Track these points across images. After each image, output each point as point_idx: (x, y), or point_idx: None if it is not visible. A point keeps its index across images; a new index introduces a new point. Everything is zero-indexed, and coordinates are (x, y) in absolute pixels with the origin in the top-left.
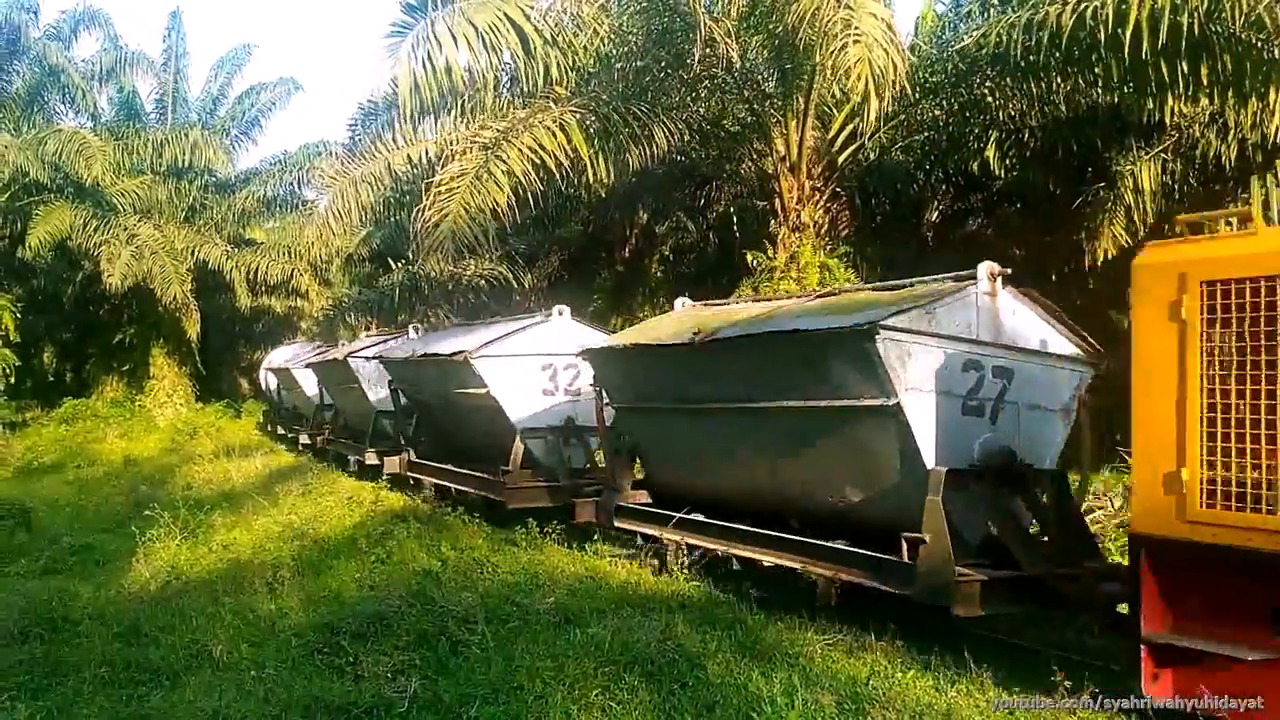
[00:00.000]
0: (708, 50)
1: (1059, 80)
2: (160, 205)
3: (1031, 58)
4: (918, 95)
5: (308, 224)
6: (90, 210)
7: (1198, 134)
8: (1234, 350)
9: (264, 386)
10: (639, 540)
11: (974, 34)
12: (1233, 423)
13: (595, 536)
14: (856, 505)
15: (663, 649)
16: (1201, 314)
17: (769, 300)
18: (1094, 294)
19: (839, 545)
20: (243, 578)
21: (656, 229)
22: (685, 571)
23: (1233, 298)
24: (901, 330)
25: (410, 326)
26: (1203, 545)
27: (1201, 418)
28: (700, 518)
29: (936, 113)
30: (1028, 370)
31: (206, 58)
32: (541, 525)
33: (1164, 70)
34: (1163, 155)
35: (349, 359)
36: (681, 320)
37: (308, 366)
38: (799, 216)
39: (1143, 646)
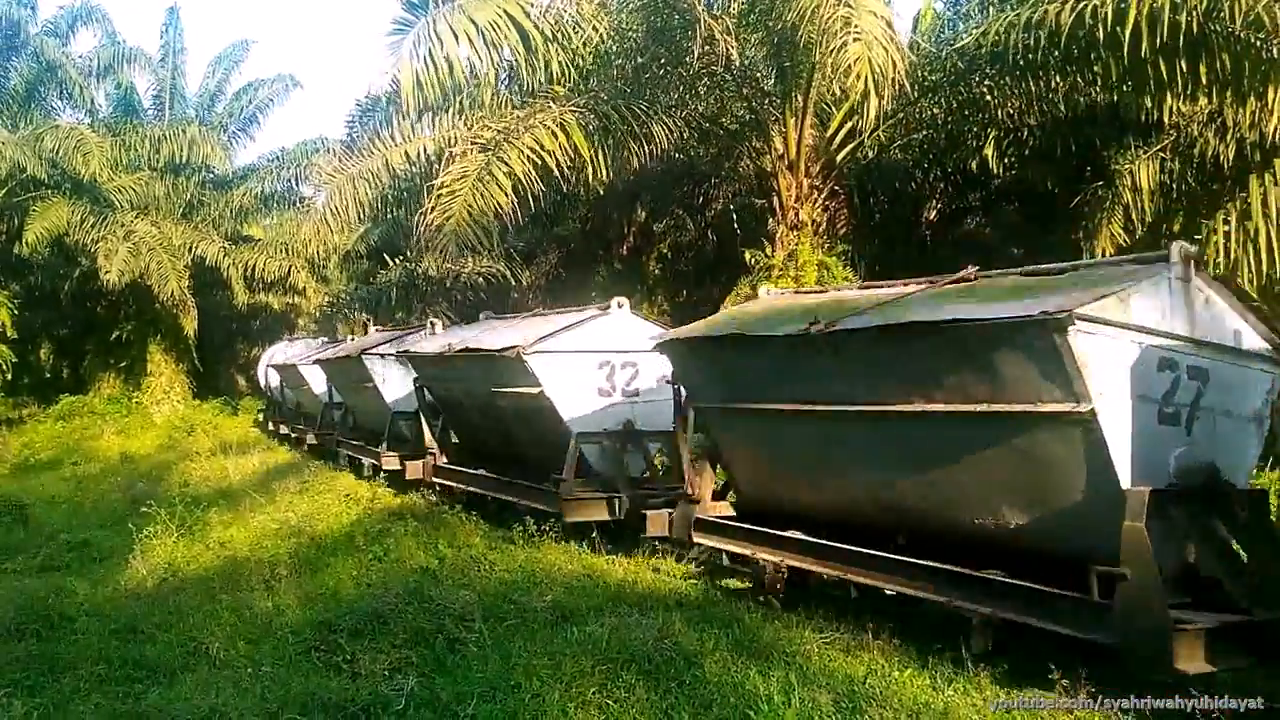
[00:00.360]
0: (707, 48)
1: (1058, 79)
2: (157, 201)
3: (1030, 56)
4: (916, 94)
5: (305, 221)
6: (87, 206)
7: (1196, 133)
8: None
9: (263, 384)
10: (724, 559)
11: (973, 32)
12: None
13: (656, 550)
14: (1017, 529)
15: (660, 647)
16: None
17: (878, 286)
18: None
19: (996, 576)
20: (240, 575)
21: (654, 227)
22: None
23: None
24: (1098, 321)
25: (429, 321)
26: None
27: None
28: (800, 535)
29: (935, 111)
30: (1223, 371)
31: (204, 54)
32: (539, 524)
33: (1163, 69)
34: (1161, 154)
35: (364, 356)
36: (775, 309)
37: (316, 363)
38: (797, 215)
39: None
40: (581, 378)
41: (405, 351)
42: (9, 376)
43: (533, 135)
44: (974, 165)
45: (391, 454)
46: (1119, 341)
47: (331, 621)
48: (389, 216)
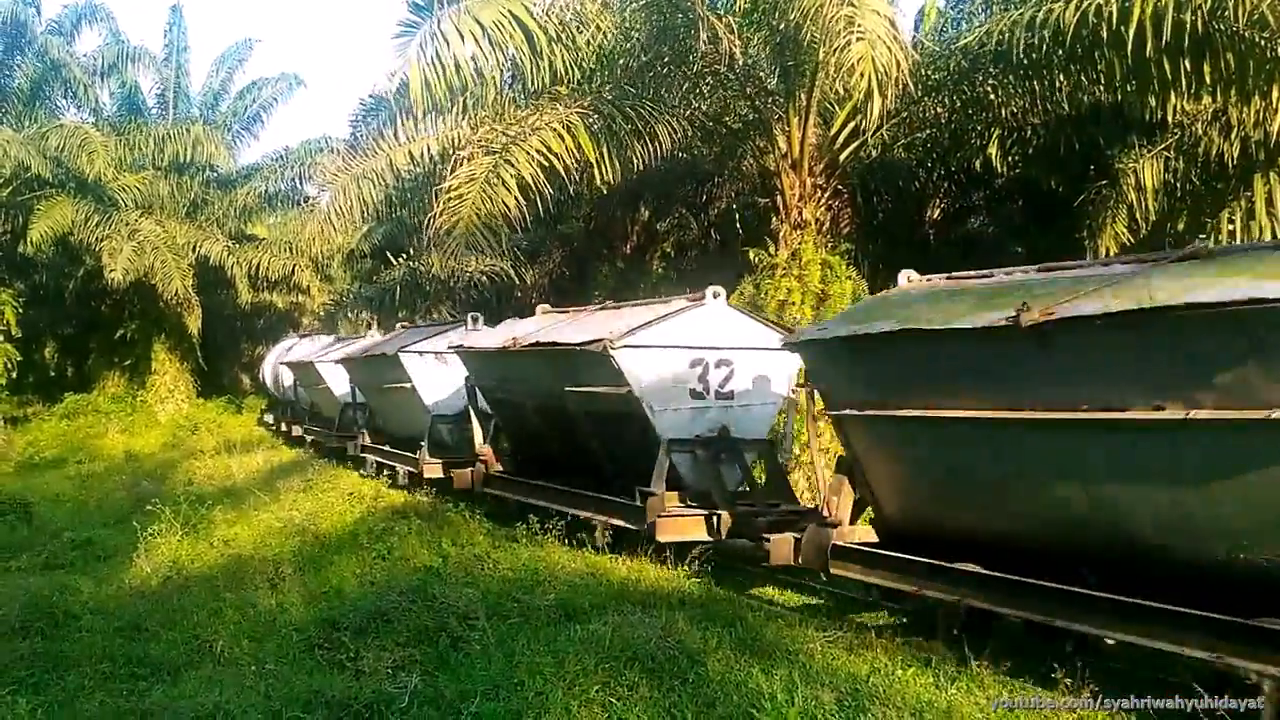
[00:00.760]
0: (710, 47)
1: (1061, 78)
2: (162, 200)
3: (1034, 55)
4: (920, 93)
5: (309, 220)
6: (92, 205)
7: (1200, 132)
8: None
9: (272, 382)
10: (872, 593)
11: (976, 31)
12: None
13: (758, 580)
14: None
15: (663, 645)
16: None
17: (1063, 267)
18: None
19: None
20: (244, 573)
21: (658, 226)
22: (686, 567)
23: None
24: None
25: (469, 316)
26: None
27: None
28: (976, 569)
29: (939, 110)
30: None
31: (208, 53)
32: (542, 523)
33: (1167, 68)
34: (1165, 153)
35: (402, 354)
36: (934, 298)
37: (338, 362)
38: (801, 214)
39: None
40: (673, 377)
41: (459, 347)
42: (14, 375)
43: (539, 137)
44: (978, 164)
45: (434, 461)
46: None
47: (335, 619)
48: (393, 216)
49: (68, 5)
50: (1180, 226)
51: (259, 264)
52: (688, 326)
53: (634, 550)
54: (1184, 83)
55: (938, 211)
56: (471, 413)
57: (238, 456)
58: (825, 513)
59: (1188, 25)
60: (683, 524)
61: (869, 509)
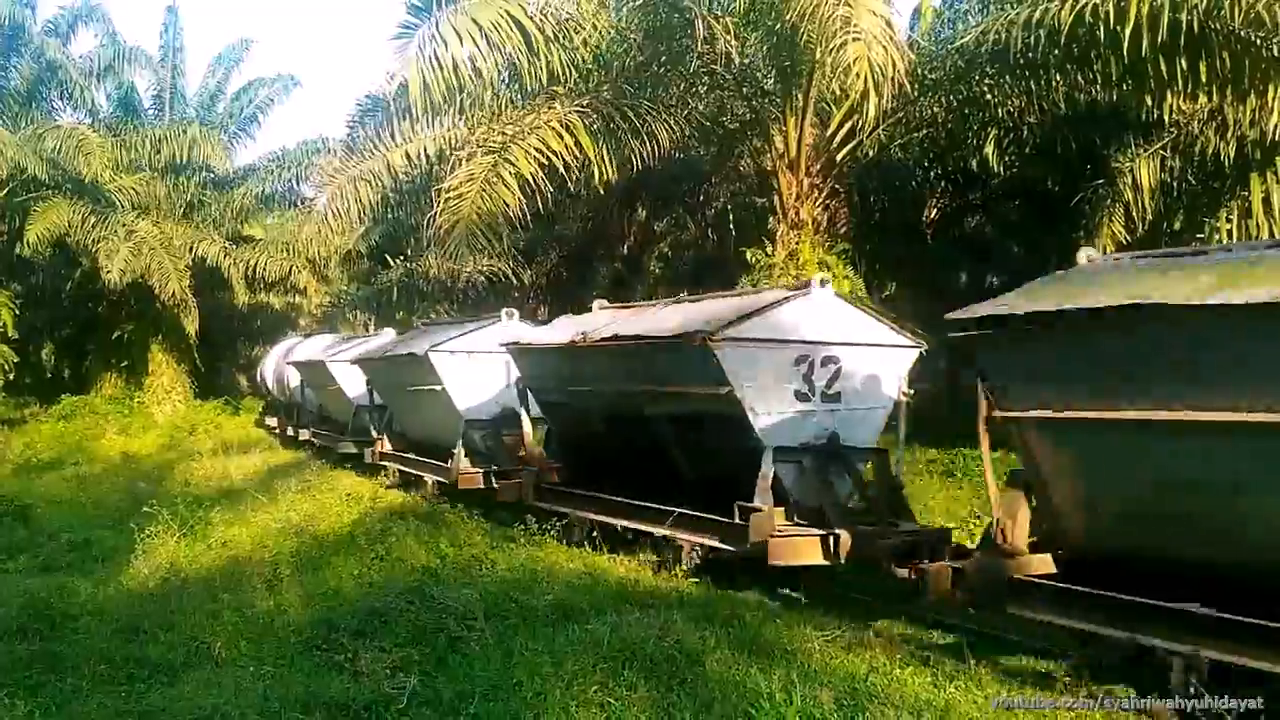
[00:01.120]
0: (706, 47)
1: (1058, 77)
2: (158, 201)
3: (1030, 55)
4: (917, 92)
5: (306, 221)
6: (88, 206)
7: (1197, 131)
8: None
9: (274, 383)
10: (1075, 653)
11: (973, 31)
12: None
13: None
14: None
15: (661, 645)
16: None
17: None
18: None
19: None
20: (242, 574)
21: (655, 226)
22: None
23: None
24: None
25: (505, 311)
26: None
27: None
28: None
29: (935, 110)
30: None
31: (204, 53)
32: (540, 523)
33: (1163, 67)
34: (1162, 152)
35: (432, 354)
36: (1129, 275)
37: (355, 362)
38: (798, 214)
39: None
40: (777, 375)
41: (513, 344)
42: (11, 376)
43: (538, 136)
44: (974, 164)
45: (472, 470)
46: None
47: (333, 620)
48: (390, 216)
49: (64, 6)
50: (1177, 226)
51: (256, 265)
52: (791, 318)
53: (631, 550)
54: (1180, 82)
55: (935, 211)
56: (524, 417)
57: (235, 457)
58: (1001, 539)
59: (1184, 24)
60: (798, 546)
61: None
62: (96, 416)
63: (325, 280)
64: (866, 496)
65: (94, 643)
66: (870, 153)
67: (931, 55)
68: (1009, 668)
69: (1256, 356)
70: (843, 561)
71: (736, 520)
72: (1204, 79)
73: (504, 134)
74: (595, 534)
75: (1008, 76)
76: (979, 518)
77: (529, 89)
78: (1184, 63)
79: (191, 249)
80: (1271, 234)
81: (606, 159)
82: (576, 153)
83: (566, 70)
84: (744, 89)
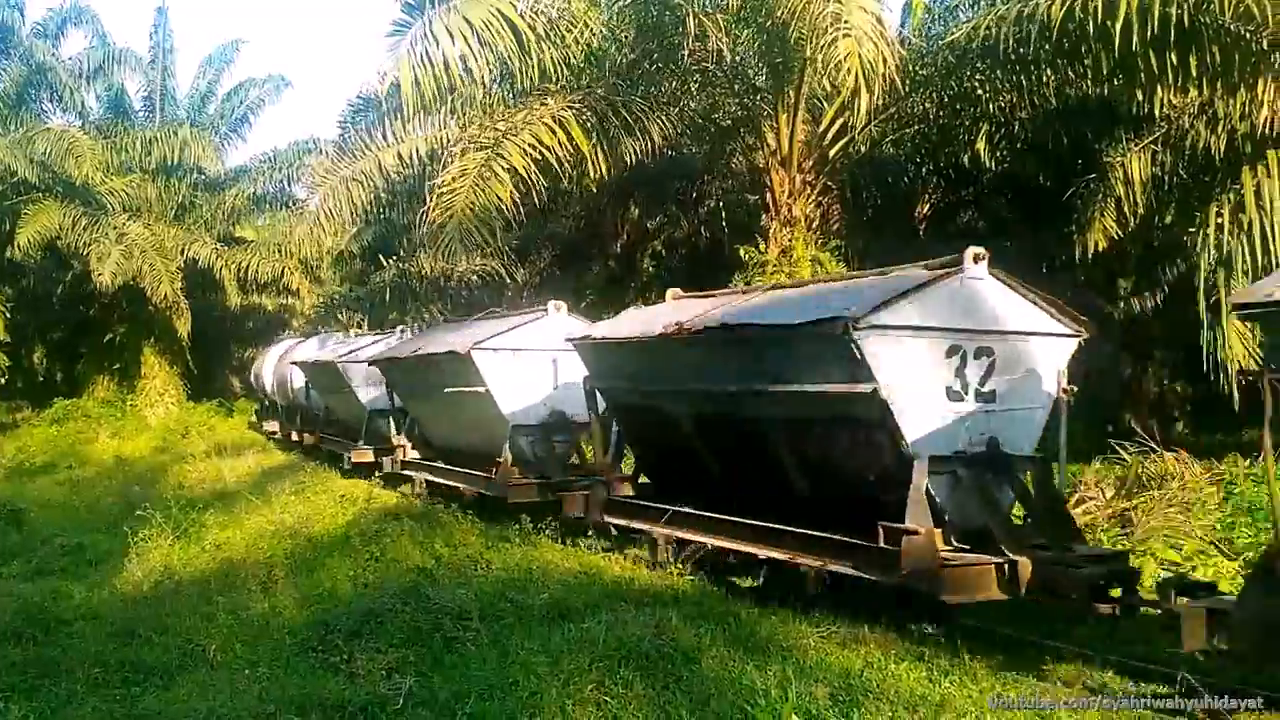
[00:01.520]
0: (698, 44)
1: (1049, 72)
2: (150, 203)
3: (1021, 50)
4: (908, 88)
5: (298, 222)
6: (79, 209)
7: (1187, 125)
8: None
9: (273, 385)
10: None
11: (963, 27)
12: None
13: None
14: None
15: (657, 643)
16: None
17: None
18: (1085, 286)
19: None
20: (236, 577)
21: (648, 224)
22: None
23: None
24: None
25: (550, 303)
26: None
27: None
28: None
29: (927, 106)
30: None
31: (194, 54)
32: (535, 521)
33: (1153, 62)
34: (1153, 146)
35: (474, 352)
36: None
37: (373, 362)
38: (790, 210)
39: None
40: (927, 370)
41: (585, 338)
42: (2, 380)
43: (531, 131)
44: (966, 159)
45: (524, 480)
46: None
47: (328, 622)
48: (382, 217)
49: (53, 8)
50: (1168, 220)
51: (248, 266)
52: (942, 302)
53: (626, 549)
54: (1170, 76)
55: (927, 207)
56: (595, 422)
57: (228, 460)
58: None
59: (1173, 18)
60: (972, 576)
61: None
62: (89, 420)
63: (318, 281)
64: (1027, 514)
65: (88, 647)
66: (862, 149)
67: (922, 51)
68: (1003, 662)
69: None
70: (1022, 594)
71: (881, 544)
72: (1194, 73)
73: (497, 130)
74: (684, 555)
75: (999, 72)
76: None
77: (521, 87)
78: (1174, 57)
79: (183, 251)
80: (1263, 227)
81: (599, 155)
82: (569, 149)
83: (558, 68)
84: (736, 86)
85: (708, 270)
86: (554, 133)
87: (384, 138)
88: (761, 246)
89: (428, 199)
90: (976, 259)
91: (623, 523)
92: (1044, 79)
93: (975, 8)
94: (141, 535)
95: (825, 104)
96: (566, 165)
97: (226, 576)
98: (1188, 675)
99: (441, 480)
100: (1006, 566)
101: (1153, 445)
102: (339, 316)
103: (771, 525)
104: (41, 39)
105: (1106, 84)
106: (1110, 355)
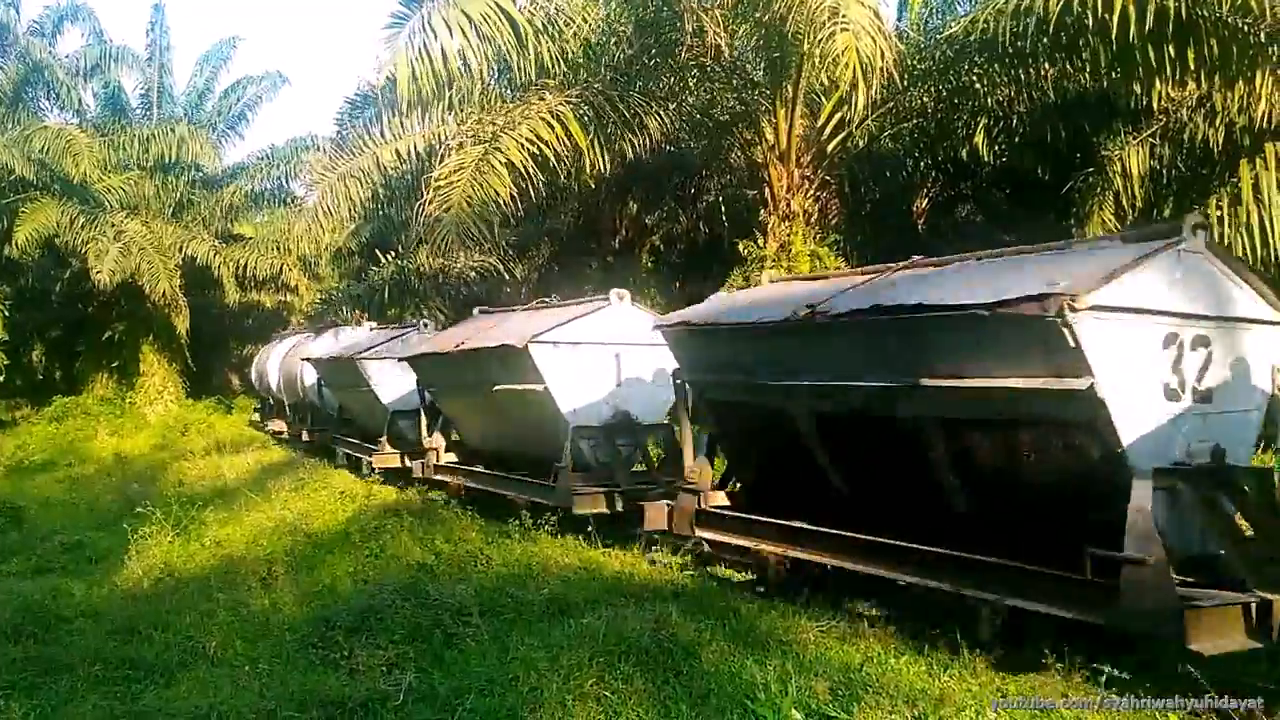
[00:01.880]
0: (696, 40)
1: (1047, 66)
2: (147, 201)
3: (1019, 43)
4: (906, 83)
5: (296, 219)
6: (77, 207)
7: (1185, 118)
8: None
9: (278, 382)
10: None
11: (961, 20)
12: None
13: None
14: None
15: (657, 638)
16: None
17: None
18: None
19: None
20: (236, 573)
21: (646, 219)
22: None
23: None
24: None
25: (614, 292)
26: None
27: None
28: None
29: (925, 100)
30: None
31: (191, 52)
32: (535, 517)
33: (1151, 55)
34: (1151, 140)
35: (532, 346)
36: None
37: (404, 359)
38: (789, 205)
39: None
40: (1147, 364)
41: (681, 324)
42: (1, 378)
43: (529, 126)
44: (964, 153)
45: (590, 490)
46: None
47: (329, 618)
48: (380, 213)
49: (49, 6)
50: (1167, 213)
51: (246, 263)
52: (1160, 281)
53: (626, 544)
54: (1168, 69)
55: (925, 201)
56: (685, 421)
57: (228, 457)
58: None
59: (1171, 11)
60: (1224, 622)
61: None
62: (88, 417)
63: (316, 278)
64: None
65: (88, 644)
66: (860, 144)
67: (920, 45)
68: (1003, 657)
69: None
70: (1275, 640)
71: (1089, 575)
72: (1192, 66)
73: (494, 124)
74: (804, 582)
75: (996, 66)
76: None
77: (519, 82)
78: (1172, 50)
79: (181, 248)
80: (1261, 220)
81: (597, 151)
82: (567, 143)
83: (556, 63)
84: (734, 81)
85: (707, 265)
86: (551, 128)
87: (382, 134)
88: (760, 241)
89: (425, 193)
90: (1196, 229)
91: (719, 538)
92: (1042, 72)
93: (973, 1)
94: (141, 532)
95: (823, 99)
96: (564, 160)
97: (226, 573)
98: (1190, 670)
99: (485, 488)
100: (1255, 606)
101: None
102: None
103: (925, 548)
104: (38, 36)
105: (1104, 77)
106: None
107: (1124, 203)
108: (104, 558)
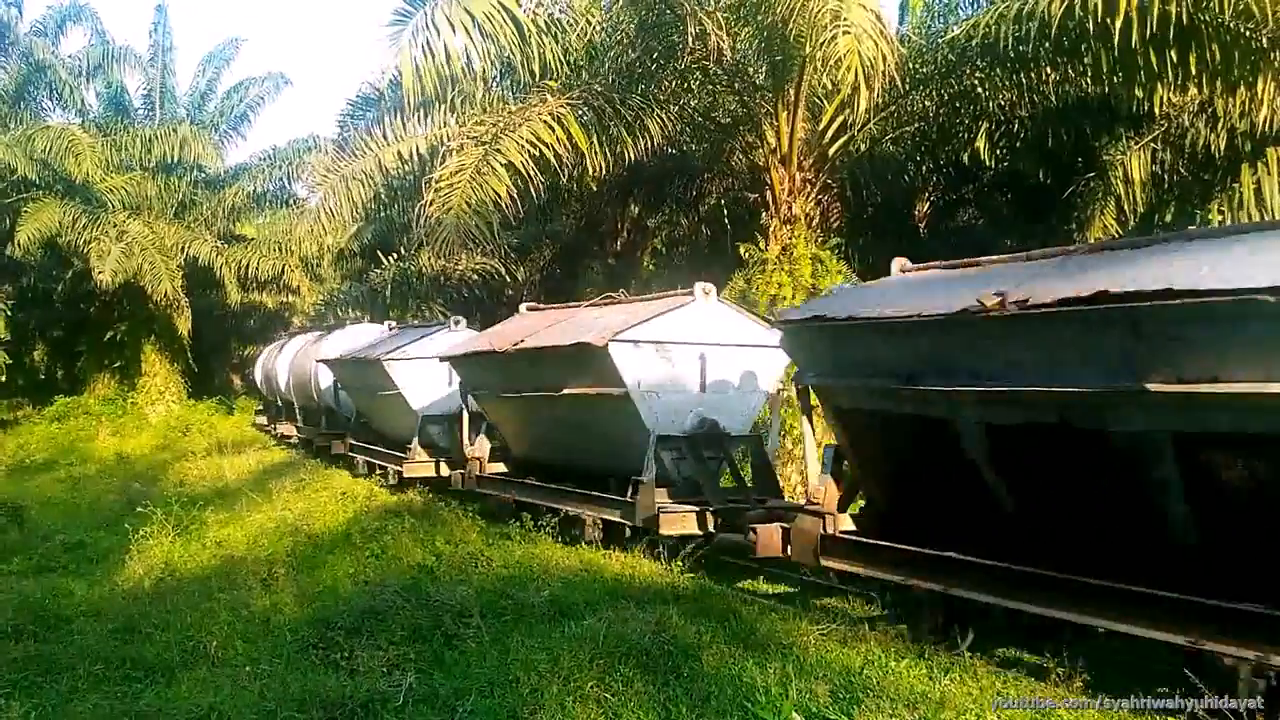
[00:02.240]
0: (698, 42)
1: (1049, 70)
2: (150, 201)
3: (1021, 48)
4: (907, 86)
5: (299, 220)
6: (79, 207)
7: (1187, 123)
8: None
9: (287, 383)
10: None
11: (963, 25)
12: None
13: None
14: None
15: (657, 640)
16: None
17: None
18: None
19: None
20: (237, 574)
21: (648, 222)
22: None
23: None
24: None
25: (698, 286)
26: None
27: None
28: None
29: (926, 104)
30: None
31: (194, 52)
32: (535, 519)
33: (1153, 60)
34: (1152, 145)
35: (613, 344)
36: None
37: (446, 359)
38: (790, 208)
39: None
40: None
41: (813, 320)
42: (3, 378)
43: (529, 128)
44: (966, 157)
45: (681, 508)
46: None
47: (329, 619)
48: (382, 215)
49: (52, 6)
50: (1168, 218)
51: (248, 264)
52: None
53: (626, 547)
54: (1170, 74)
55: (927, 205)
56: (808, 433)
57: (229, 457)
58: None
59: (1173, 16)
60: None
61: None
62: (90, 417)
63: (318, 279)
64: None
65: (89, 643)
66: (862, 147)
67: (922, 49)
68: (1004, 659)
69: None
70: None
71: None
72: (1194, 71)
73: (495, 126)
74: (963, 624)
75: (998, 70)
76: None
77: (521, 82)
78: (1174, 55)
79: (183, 249)
80: None
81: (598, 151)
82: (568, 145)
83: (559, 64)
84: (736, 84)
85: (708, 268)
86: (552, 129)
87: (384, 136)
88: (761, 244)
89: (426, 194)
90: None
91: (851, 569)
92: (1044, 77)
93: (975, 5)
94: (142, 532)
95: (825, 102)
96: (565, 162)
97: (227, 574)
98: (1188, 671)
99: (544, 503)
100: None
101: None
102: (339, 314)
103: (1162, 593)
104: (41, 37)
105: (1106, 82)
106: None
107: (1125, 207)
108: (105, 557)
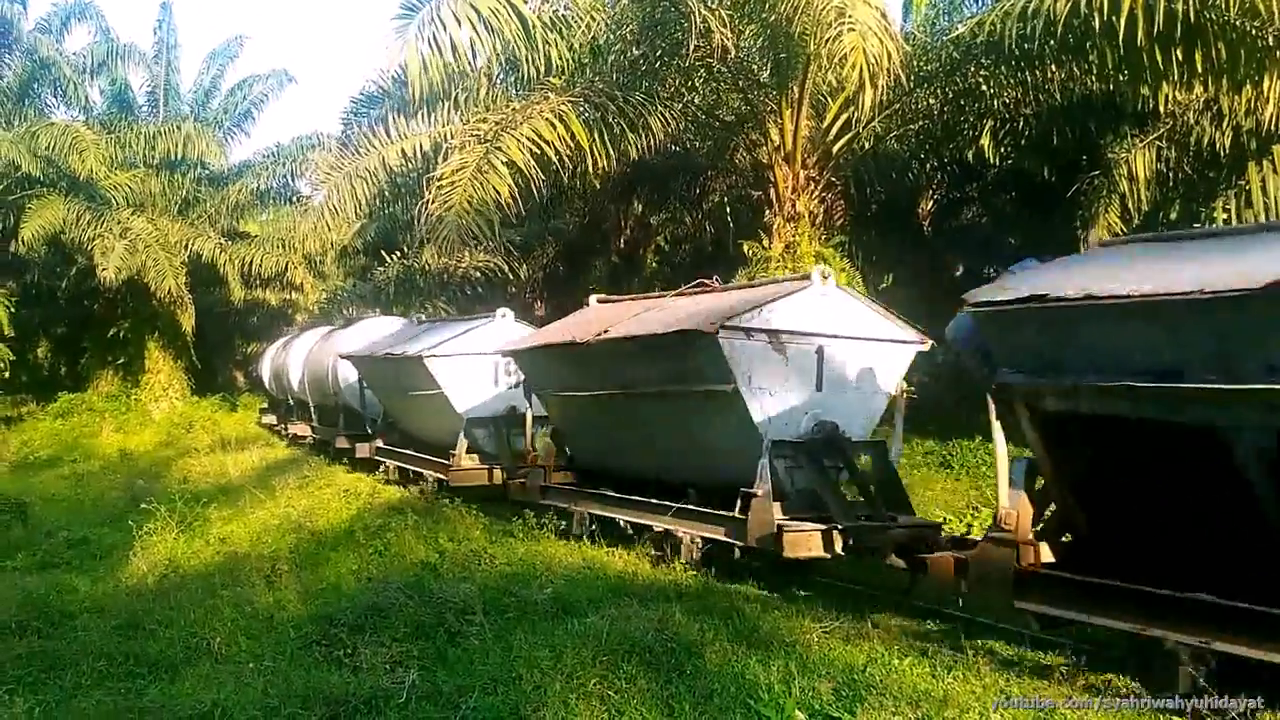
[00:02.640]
0: (702, 40)
1: (1054, 68)
2: (153, 198)
3: (1026, 46)
4: (912, 84)
5: (302, 217)
6: (83, 204)
7: (1192, 121)
8: None
9: (300, 380)
10: None
11: (968, 22)
12: None
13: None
14: None
15: (660, 638)
16: None
17: None
18: None
19: None
20: (240, 570)
21: (651, 220)
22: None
23: None
24: None
25: (816, 270)
26: None
27: None
28: None
29: (931, 101)
30: None
31: (198, 50)
32: (538, 517)
33: (1158, 57)
34: (1157, 143)
35: (724, 334)
36: None
37: (508, 354)
38: (794, 206)
39: None
40: None
41: (1011, 303)
42: (7, 375)
43: (531, 125)
44: (970, 155)
45: (806, 525)
46: None
47: (332, 616)
48: (386, 212)
49: (56, 3)
50: (1173, 216)
51: (252, 261)
52: None
53: (629, 544)
54: (1175, 72)
55: (931, 203)
56: (999, 441)
57: (232, 454)
58: None
59: (1179, 14)
60: None
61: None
62: (93, 414)
63: (321, 276)
64: None
65: (93, 640)
66: (866, 145)
67: (926, 47)
68: (1006, 657)
69: None
70: None
71: None
72: (1199, 69)
73: (496, 123)
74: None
75: (1003, 68)
76: (975, 509)
77: (525, 78)
78: (1179, 53)
79: (187, 246)
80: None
81: (600, 149)
82: (570, 142)
83: (563, 60)
84: (740, 81)
85: (712, 266)
86: (554, 127)
87: (388, 133)
88: (765, 242)
89: (428, 191)
90: None
91: (1064, 614)
92: (1048, 75)
93: (979, 3)
94: (146, 529)
95: (829, 99)
96: (566, 160)
97: (231, 570)
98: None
99: (631, 518)
100: None
101: None
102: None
103: None
104: (45, 34)
105: (1111, 80)
106: None
107: (1130, 205)
108: (108, 554)
